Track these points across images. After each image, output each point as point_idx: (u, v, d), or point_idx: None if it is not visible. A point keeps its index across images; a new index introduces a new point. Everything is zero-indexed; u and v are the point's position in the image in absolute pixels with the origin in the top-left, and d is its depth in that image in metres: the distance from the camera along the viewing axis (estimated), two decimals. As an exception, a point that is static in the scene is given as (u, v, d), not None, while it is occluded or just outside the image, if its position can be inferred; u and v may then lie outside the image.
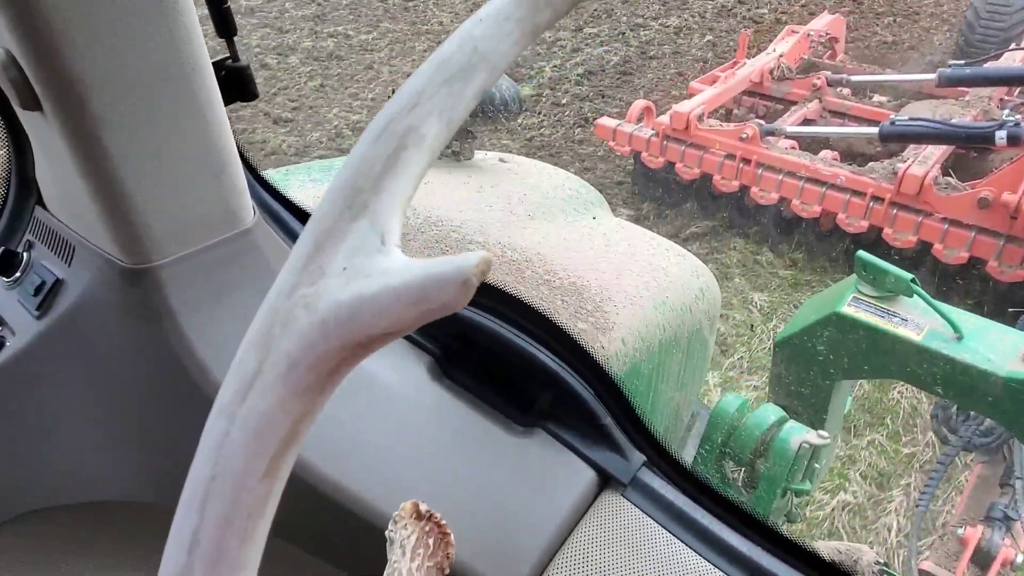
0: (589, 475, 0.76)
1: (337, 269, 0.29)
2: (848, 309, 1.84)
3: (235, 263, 0.74)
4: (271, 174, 0.87)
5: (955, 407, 2.74)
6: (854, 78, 4.79)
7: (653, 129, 4.30)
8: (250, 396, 0.30)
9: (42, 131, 0.67)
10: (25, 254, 0.80)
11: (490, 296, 0.82)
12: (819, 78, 4.71)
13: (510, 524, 0.71)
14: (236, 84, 0.75)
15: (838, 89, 4.75)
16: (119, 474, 0.75)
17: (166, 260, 0.70)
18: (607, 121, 4.48)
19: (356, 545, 0.74)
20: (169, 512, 0.78)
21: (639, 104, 4.49)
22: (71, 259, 0.75)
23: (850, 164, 3.97)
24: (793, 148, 4.07)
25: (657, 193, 4.54)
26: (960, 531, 2.36)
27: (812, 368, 1.99)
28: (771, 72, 4.73)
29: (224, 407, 0.31)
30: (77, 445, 0.75)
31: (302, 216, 0.91)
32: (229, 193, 0.73)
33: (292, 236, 0.89)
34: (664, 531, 0.72)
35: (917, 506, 2.64)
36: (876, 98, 4.79)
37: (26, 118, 0.69)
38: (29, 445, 0.75)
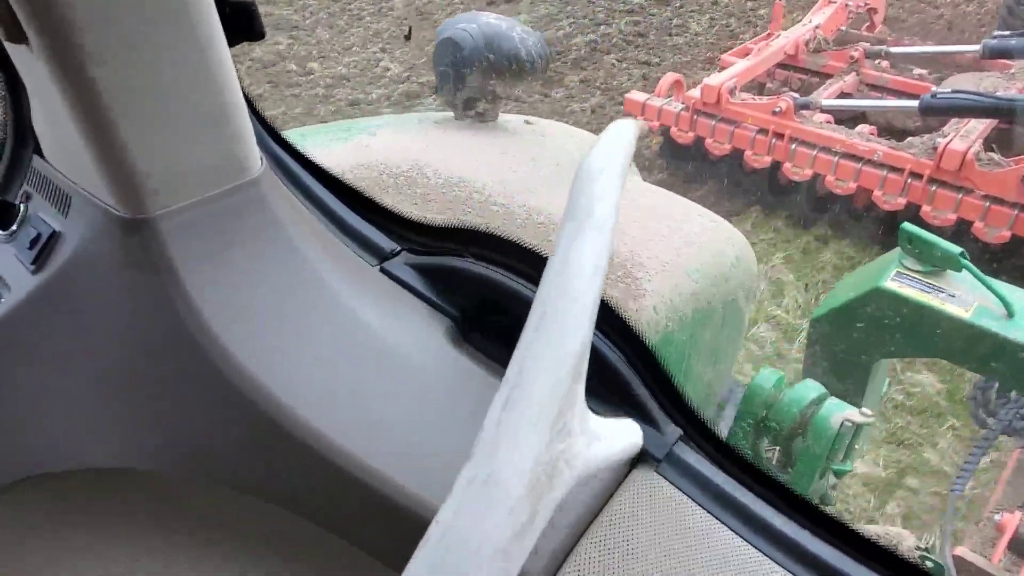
0: (620, 449, 0.70)
1: (577, 430, 0.35)
2: (891, 284, 1.75)
3: (240, 215, 0.69)
4: (289, 135, 0.82)
5: (994, 389, 2.64)
6: (893, 50, 4.61)
7: (683, 103, 4.19)
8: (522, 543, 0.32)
9: (32, 70, 0.62)
10: (22, 206, 0.75)
11: (513, 254, 0.76)
12: (857, 50, 4.54)
13: None
14: (241, 22, 0.69)
15: (876, 62, 4.58)
16: (116, 439, 0.71)
17: (166, 211, 0.65)
18: (636, 95, 4.37)
19: (371, 519, 0.70)
20: (167, 481, 0.74)
21: (669, 77, 4.37)
22: (68, 210, 0.70)
23: (888, 139, 3.83)
24: (828, 123, 3.94)
25: (686, 169, 4.43)
26: (997, 517, 2.28)
27: (850, 346, 1.90)
28: (807, 44, 4.57)
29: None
30: (73, 407, 0.71)
31: (316, 171, 0.85)
32: (234, 140, 0.68)
33: (303, 190, 0.83)
34: (701, 509, 0.67)
35: (952, 490, 2.55)
36: (916, 71, 4.61)
37: (16, 55, 0.64)
38: (25, 405, 0.71)
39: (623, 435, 0.39)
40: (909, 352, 1.89)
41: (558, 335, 0.36)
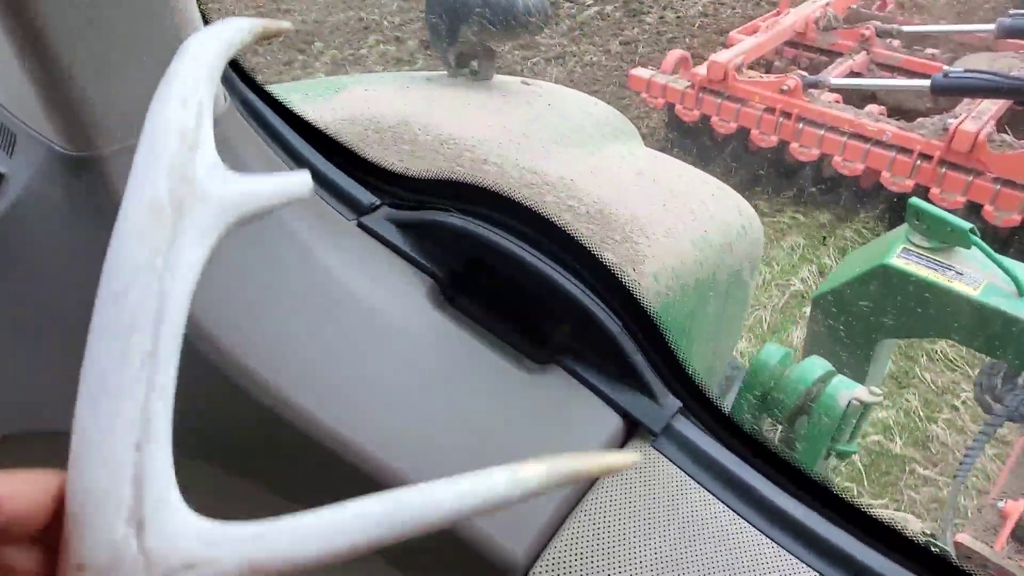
0: (614, 420, 0.64)
1: (204, 169, 0.34)
2: (898, 261, 1.69)
3: (201, 157, 0.63)
4: (272, 89, 0.75)
5: (1001, 374, 2.58)
6: (905, 29, 4.51)
7: (689, 80, 4.09)
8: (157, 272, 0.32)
9: None
10: (-34, 147, 0.69)
11: (503, 209, 0.70)
12: (867, 28, 4.43)
13: None
14: (204, -57, 0.62)
15: (887, 40, 4.48)
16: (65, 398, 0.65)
17: (115, 149, 0.59)
18: (641, 71, 4.28)
19: (346, 485, 0.64)
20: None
21: (675, 54, 4.28)
22: (12, 150, 0.64)
23: (897, 120, 3.74)
24: (837, 102, 3.85)
25: (691, 148, 4.35)
26: (1000, 504, 2.24)
27: (853, 326, 1.84)
28: (816, 21, 4.46)
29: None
30: (20, 364, 0.65)
31: (287, 116, 0.79)
32: (194, 74, 0.61)
33: (268, 130, 0.77)
34: (701, 488, 0.61)
35: (955, 477, 2.51)
36: (928, 50, 4.51)
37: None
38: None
39: (280, 178, 0.35)
40: (914, 332, 1.83)
41: None
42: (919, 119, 3.67)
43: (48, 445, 0.66)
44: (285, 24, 0.41)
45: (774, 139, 3.89)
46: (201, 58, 0.35)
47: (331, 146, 0.79)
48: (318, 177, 0.77)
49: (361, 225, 0.74)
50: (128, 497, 0.28)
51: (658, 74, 4.21)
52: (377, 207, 0.76)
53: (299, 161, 0.77)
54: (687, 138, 4.32)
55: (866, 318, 1.77)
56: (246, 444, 0.67)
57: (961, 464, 2.50)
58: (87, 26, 0.54)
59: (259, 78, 0.75)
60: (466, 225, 0.70)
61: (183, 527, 0.29)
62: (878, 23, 4.53)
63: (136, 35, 0.57)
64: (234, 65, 0.74)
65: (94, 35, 0.54)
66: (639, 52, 5.45)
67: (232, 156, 0.64)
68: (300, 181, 0.36)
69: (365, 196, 0.76)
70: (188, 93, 0.34)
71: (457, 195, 0.73)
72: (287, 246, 0.66)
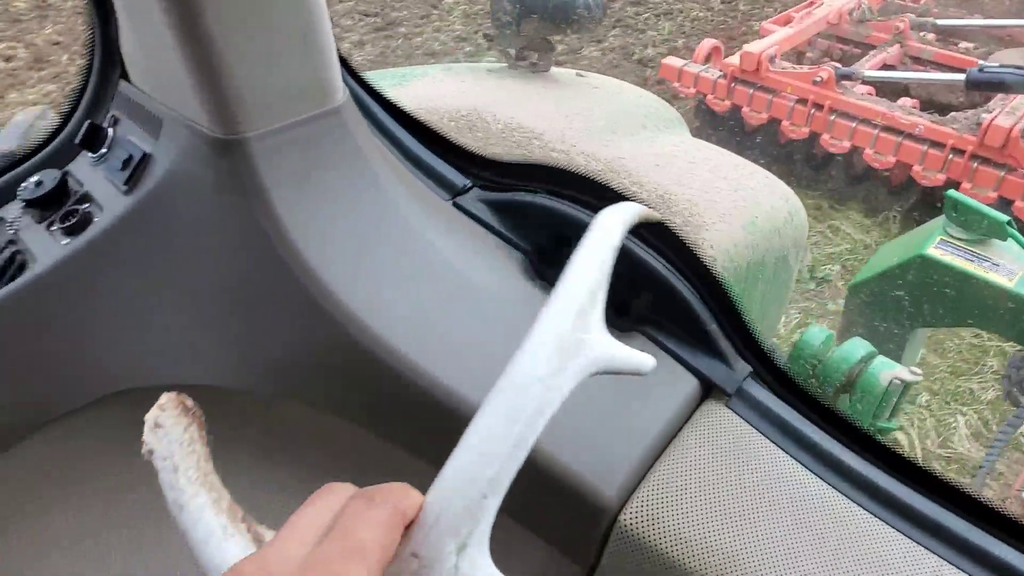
0: (691, 383, 0.71)
1: (595, 328, 0.45)
2: (935, 251, 1.74)
3: (325, 141, 0.70)
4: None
5: (1030, 368, 2.61)
6: (940, 22, 4.49)
7: (721, 70, 4.12)
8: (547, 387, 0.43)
9: None
10: (111, 130, 0.77)
11: (587, 189, 0.77)
12: (902, 21, 4.42)
13: (607, 429, 0.67)
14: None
15: (922, 34, 4.46)
16: (203, 357, 0.73)
17: (257, 132, 0.66)
18: (673, 61, 4.31)
19: (445, 438, 0.72)
20: (248, 399, 0.76)
21: (707, 43, 4.30)
22: (158, 133, 0.72)
23: (930, 113, 3.75)
24: (870, 94, 3.86)
25: (720, 139, 4.37)
26: (1025, 495, 2.27)
27: (888, 315, 1.89)
28: (850, 13, 4.46)
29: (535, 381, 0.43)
30: (163, 325, 0.73)
31: (388, 106, 0.86)
32: (321, 66, 0.69)
33: (378, 126, 0.84)
34: (773, 445, 0.68)
35: (981, 467, 2.55)
36: (962, 44, 4.49)
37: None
38: (116, 323, 0.74)
39: (636, 354, 0.48)
40: (948, 321, 1.88)
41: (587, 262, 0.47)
42: (952, 113, 3.67)
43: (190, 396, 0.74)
44: (656, 214, 0.57)
45: (805, 131, 3.91)
46: (613, 231, 0.49)
47: (424, 131, 0.86)
48: (414, 159, 0.84)
49: (456, 205, 0.81)
50: (465, 525, 0.39)
51: (690, 63, 4.24)
52: (469, 188, 0.83)
53: (398, 145, 0.84)
54: (717, 128, 4.34)
55: (902, 307, 1.82)
56: (358, 391, 0.75)
57: (987, 456, 2.54)
58: (243, 19, 0.61)
59: (366, 74, 0.82)
60: (554, 205, 0.77)
61: (486, 568, 0.40)
62: (912, 16, 4.52)
63: (278, 23, 0.64)
64: (343, 62, 0.81)
65: (249, 26, 0.61)
66: (740, 9, 5.86)
67: (352, 143, 0.71)
68: (644, 363, 0.49)
69: (458, 178, 0.83)
70: (603, 258, 0.48)
71: (544, 177, 0.80)
72: (394, 219, 0.74)
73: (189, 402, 0.48)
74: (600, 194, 0.76)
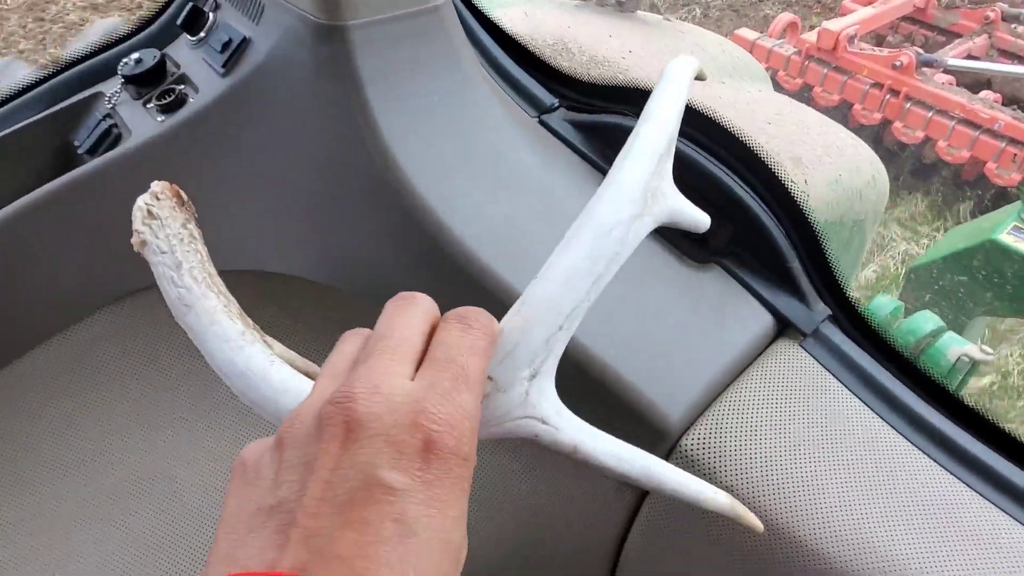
0: (766, 319, 0.70)
1: (668, 177, 0.44)
2: (1006, 237, 1.68)
3: (423, 40, 0.70)
4: None
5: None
6: (1034, 14, 4.26)
7: (796, 47, 3.98)
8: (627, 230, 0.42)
9: None
10: (211, 14, 0.78)
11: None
12: (994, 10, 4.21)
13: (677, 355, 0.67)
14: None
15: (1013, 26, 4.25)
16: (285, 245, 0.74)
17: (359, 21, 0.66)
18: (746, 33, 4.18)
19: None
20: (330, 291, 0.77)
21: (784, 17, 4.15)
22: (260, 18, 0.72)
23: (1013, 109, 3.58)
24: (950, 84, 3.70)
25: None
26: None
27: (948, 299, 1.84)
28: (939, -1, 4.27)
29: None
30: (251, 209, 0.74)
31: (481, 18, 0.85)
32: (426, -40, 0.68)
33: (470, 35, 0.83)
34: (845, 389, 0.67)
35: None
36: (1055, 40, 4.26)
37: None
38: (204, 203, 0.75)
39: (698, 211, 0.47)
40: (1009, 310, 1.82)
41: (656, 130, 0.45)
42: (1036, 111, 3.51)
43: (267, 283, 0.75)
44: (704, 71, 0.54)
45: (877, 116, 3.77)
46: (683, 83, 0.47)
47: (514, 45, 0.85)
48: (502, 73, 0.83)
49: (542, 122, 0.80)
50: (540, 354, 0.39)
51: (764, 37, 4.11)
52: (556, 107, 0.82)
53: (487, 58, 0.83)
54: (785, 107, 4.22)
55: (965, 292, 1.76)
56: (438, 294, 0.75)
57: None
58: None
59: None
60: (642, 129, 0.76)
61: (552, 397, 0.40)
62: (1005, 5, 4.30)
63: None
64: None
65: None
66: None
67: (449, 45, 0.71)
68: (703, 221, 0.47)
69: (545, 96, 0.82)
70: (678, 108, 0.46)
71: (631, 100, 0.79)
72: (482, 126, 0.73)
73: (185, 196, 0.43)
74: (690, 119, 0.75)
